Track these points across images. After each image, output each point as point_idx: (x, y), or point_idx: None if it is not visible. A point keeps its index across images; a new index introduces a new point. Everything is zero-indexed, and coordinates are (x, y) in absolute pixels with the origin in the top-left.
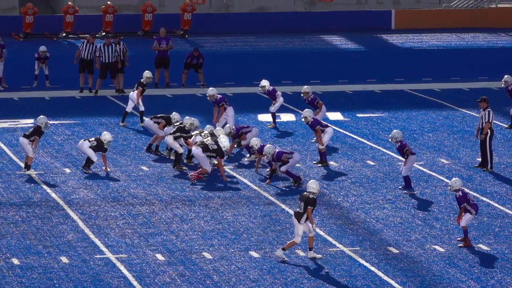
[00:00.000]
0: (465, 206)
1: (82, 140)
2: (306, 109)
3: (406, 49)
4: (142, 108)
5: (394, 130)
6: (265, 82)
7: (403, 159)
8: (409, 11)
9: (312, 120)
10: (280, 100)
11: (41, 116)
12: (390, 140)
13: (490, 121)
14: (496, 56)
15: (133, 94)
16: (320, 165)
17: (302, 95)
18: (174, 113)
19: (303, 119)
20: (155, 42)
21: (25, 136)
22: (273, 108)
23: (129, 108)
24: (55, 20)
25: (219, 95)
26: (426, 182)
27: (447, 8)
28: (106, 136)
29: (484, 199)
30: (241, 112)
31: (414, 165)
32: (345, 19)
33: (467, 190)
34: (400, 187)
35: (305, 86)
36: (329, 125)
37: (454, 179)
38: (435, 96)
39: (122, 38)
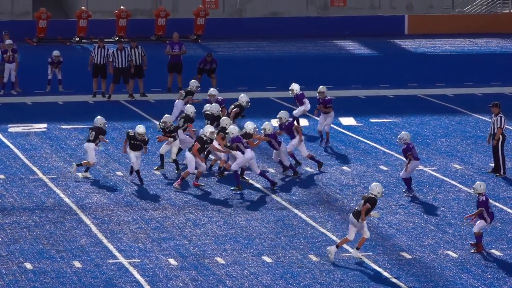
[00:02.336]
0: (483, 210)
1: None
2: (282, 111)
3: (419, 54)
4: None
5: (403, 132)
6: (295, 86)
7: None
8: (422, 16)
9: (287, 123)
10: (306, 107)
11: (98, 117)
12: (398, 141)
13: (502, 126)
14: (509, 61)
15: (179, 102)
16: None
17: (317, 94)
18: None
19: (277, 120)
20: (168, 47)
21: (89, 141)
22: (296, 112)
23: (174, 116)
24: (68, 24)
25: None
26: (439, 187)
27: (460, 13)
28: (139, 129)
29: (497, 204)
30: (254, 117)
31: (428, 170)
32: (358, 24)
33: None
34: (404, 190)
35: (321, 86)
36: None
37: (479, 182)
38: (448, 101)
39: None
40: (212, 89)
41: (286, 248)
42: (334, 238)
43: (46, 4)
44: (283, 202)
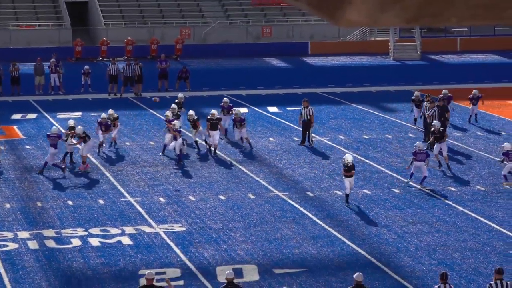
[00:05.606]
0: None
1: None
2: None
3: (318, 67)
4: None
5: (507, 143)
6: None
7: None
8: (320, 42)
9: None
10: None
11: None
12: (504, 149)
13: (313, 114)
14: (375, 71)
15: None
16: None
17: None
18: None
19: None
20: (158, 63)
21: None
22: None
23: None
24: (95, 49)
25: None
26: (330, 151)
27: (343, 40)
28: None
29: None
30: (213, 108)
31: (323, 139)
32: (279, 48)
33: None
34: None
35: (239, 109)
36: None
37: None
38: (335, 96)
39: (137, 60)
40: (225, 98)
41: (234, 190)
42: (264, 183)
43: (80, 35)
44: (232, 161)
